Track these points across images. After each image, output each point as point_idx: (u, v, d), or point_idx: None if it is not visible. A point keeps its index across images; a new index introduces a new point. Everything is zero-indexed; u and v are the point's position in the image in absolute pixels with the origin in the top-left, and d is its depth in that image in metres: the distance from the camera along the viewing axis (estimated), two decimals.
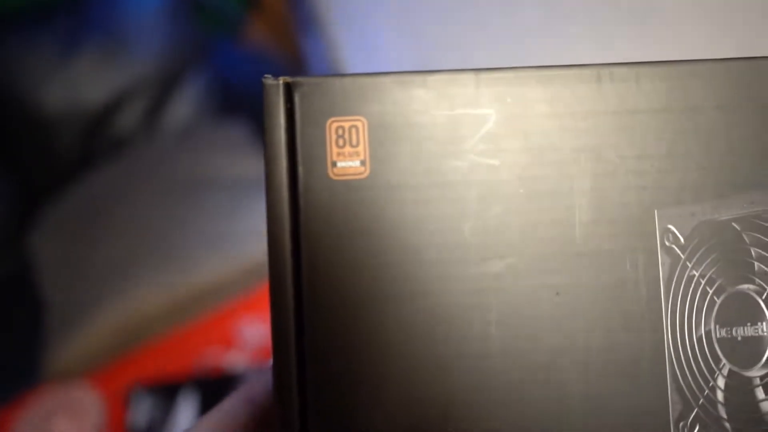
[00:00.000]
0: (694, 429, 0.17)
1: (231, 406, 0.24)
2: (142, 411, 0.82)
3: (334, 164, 0.16)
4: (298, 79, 0.16)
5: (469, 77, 0.16)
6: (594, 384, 0.16)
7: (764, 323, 0.17)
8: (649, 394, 0.16)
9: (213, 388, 0.83)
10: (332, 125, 0.16)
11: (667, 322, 0.17)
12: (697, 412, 0.17)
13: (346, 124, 0.15)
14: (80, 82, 1.27)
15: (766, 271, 0.17)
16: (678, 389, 0.16)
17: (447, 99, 0.16)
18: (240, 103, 1.37)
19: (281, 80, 0.15)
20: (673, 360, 0.17)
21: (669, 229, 0.17)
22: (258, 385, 0.25)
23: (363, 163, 0.16)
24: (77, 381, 0.91)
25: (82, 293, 0.98)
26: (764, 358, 0.17)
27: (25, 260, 1.22)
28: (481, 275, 0.16)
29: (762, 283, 0.17)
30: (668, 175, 0.17)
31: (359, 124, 0.16)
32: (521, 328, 0.16)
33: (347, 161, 0.16)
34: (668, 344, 0.17)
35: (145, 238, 1.03)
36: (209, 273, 0.98)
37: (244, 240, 1.01)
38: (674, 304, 0.17)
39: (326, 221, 0.15)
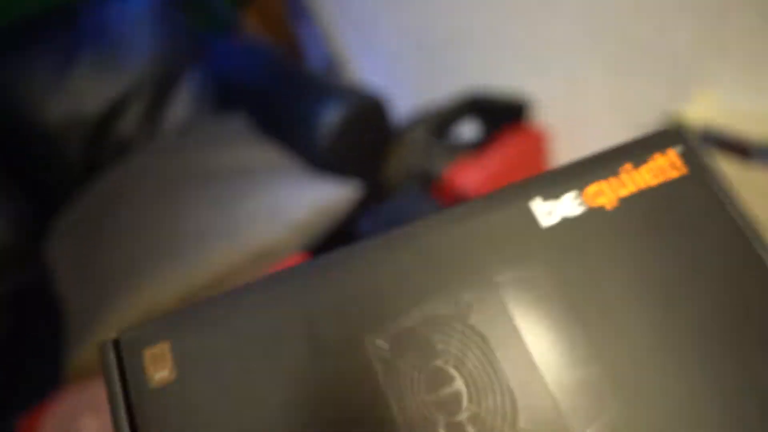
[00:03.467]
0: None
1: None
2: None
3: (151, 378, 0.23)
4: (124, 332, 0.24)
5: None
6: None
7: (455, 381, 0.24)
8: None
9: None
10: (147, 353, 0.23)
11: (392, 402, 0.24)
12: None
13: (157, 350, 0.23)
14: (80, 92, 1.31)
15: (444, 348, 0.25)
16: None
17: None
18: (237, 97, 1.39)
19: (111, 340, 0.24)
20: (406, 425, 0.24)
21: (376, 343, 0.24)
22: None
23: (171, 371, 0.23)
24: (99, 380, 0.93)
25: (97, 293, 1.00)
26: (464, 404, 0.24)
27: (44, 270, 1.28)
28: None
29: (445, 357, 0.24)
30: (368, 309, 0.25)
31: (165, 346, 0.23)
32: None
33: (160, 372, 0.23)
34: (397, 420, 0.23)
35: (153, 233, 1.05)
36: (216, 262, 1.00)
37: (246, 227, 1.04)
38: (391, 388, 0.24)
39: (157, 421, 0.22)
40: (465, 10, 1.38)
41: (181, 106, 1.41)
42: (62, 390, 0.98)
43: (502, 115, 1.41)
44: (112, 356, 0.24)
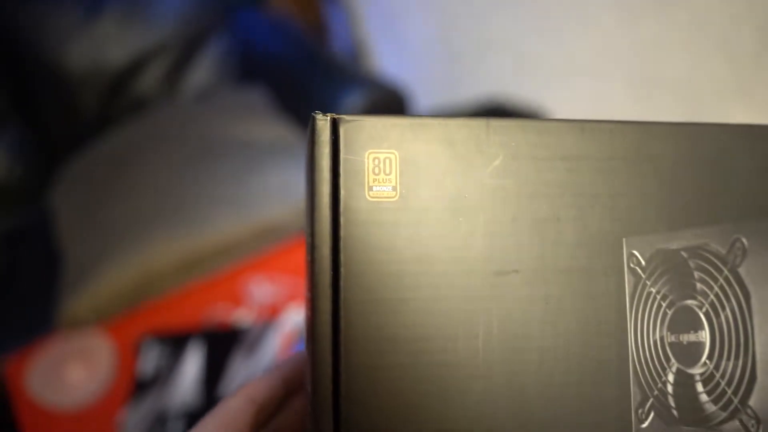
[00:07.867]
0: (650, 415, 0.21)
1: (233, 406, 0.25)
2: (150, 360, 0.83)
3: (370, 188, 0.19)
4: (344, 116, 0.19)
5: (480, 124, 0.19)
6: (574, 375, 0.20)
7: (702, 331, 0.21)
8: (614, 385, 0.21)
9: (219, 341, 0.85)
10: (370, 156, 0.19)
11: (630, 328, 0.21)
12: (652, 401, 0.21)
13: (382, 156, 0.19)
14: (103, 43, 1.29)
15: (704, 290, 0.22)
16: (638, 382, 0.21)
17: (462, 142, 0.19)
18: (259, 70, 1.39)
19: (329, 116, 0.19)
20: (634, 359, 0.21)
21: (633, 253, 0.21)
22: (259, 384, 0.27)
23: (394, 189, 0.19)
24: (90, 330, 0.93)
25: (97, 247, 0.99)
26: (703, 359, 0.22)
27: (44, 214, 1.25)
28: (485, 285, 0.19)
29: (701, 299, 0.22)
30: (634, 211, 0.21)
31: (392, 156, 0.19)
32: (518, 330, 0.20)
33: (381, 186, 0.19)
34: (631, 346, 0.21)
35: (160, 196, 1.04)
36: (220, 233, 1.00)
37: (254, 202, 1.04)
38: (636, 314, 0.21)
39: (361, 235, 0.19)
40: (497, 17, 1.40)
41: (203, 71, 1.40)
42: (52, 335, 0.97)
43: None
44: (327, 147, 0.19)
